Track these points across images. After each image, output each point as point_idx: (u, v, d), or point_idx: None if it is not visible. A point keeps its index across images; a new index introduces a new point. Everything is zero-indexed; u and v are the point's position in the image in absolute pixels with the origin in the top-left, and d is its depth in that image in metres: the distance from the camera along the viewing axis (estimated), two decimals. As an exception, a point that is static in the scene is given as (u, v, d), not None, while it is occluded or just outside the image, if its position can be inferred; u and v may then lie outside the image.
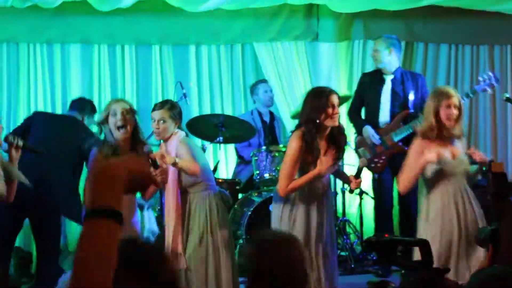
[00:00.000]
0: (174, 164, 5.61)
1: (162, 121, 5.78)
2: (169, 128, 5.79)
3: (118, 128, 5.50)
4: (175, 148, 5.77)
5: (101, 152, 5.48)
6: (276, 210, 5.52)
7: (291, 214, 5.39)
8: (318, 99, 5.31)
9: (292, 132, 5.51)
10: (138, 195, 6.04)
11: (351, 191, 5.86)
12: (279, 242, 2.89)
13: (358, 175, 5.50)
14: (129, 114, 5.56)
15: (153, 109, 5.86)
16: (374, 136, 7.37)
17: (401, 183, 5.54)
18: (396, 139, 7.35)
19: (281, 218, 5.41)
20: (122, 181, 2.00)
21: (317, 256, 5.36)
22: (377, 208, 7.78)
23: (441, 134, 5.37)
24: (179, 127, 5.90)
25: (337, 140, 5.43)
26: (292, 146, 5.34)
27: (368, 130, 7.39)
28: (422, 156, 5.30)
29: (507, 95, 7.12)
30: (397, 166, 7.50)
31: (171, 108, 5.85)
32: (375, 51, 7.67)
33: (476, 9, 8.41)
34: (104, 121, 5.57)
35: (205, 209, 5.84)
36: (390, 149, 7.36)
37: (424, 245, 2.84)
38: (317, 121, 5.26)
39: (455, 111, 5.35)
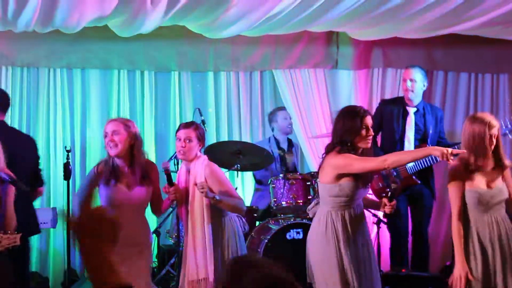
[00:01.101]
0: (214, 200, 5.66)
1: (188, 140, 5.82)
2: (194, 148, 5.83)
3: (110, 147, 5.61)
4: (201, 170, 5.79)
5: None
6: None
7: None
8: (352, 120, 5.16)
9: (325, 155, 5.26)
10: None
11: (386, 215, 5.66)
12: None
13: (391, 198, 5.30)
14: (119, 134, 5.60)
15: (179, 129, 5.93)
16: None
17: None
18: (410, 172, 7.36)
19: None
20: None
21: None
22: (392, 237, 7.73)
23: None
24: (201, 150, 5.94)
25: None
26: (340, 158, 5.12)
27: None
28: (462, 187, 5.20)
29: None
30: (413, 195, 7.52)
31: (197, 128, 5.92)
32: (411, 80, 7.57)
33: (495, 37, 8.37)
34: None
35: (235, 234, 5.90)
36: (404, 181, 7.35)
37: (437, 282, 2.82)
38: (349, 143, 5.12)
39: (494, 141, 5.20)
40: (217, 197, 5.67)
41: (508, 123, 7.09)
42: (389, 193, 5.32)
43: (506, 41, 8.48)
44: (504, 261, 5.20)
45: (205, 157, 5.92)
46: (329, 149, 5.25)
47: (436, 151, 5.02)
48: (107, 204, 5.68)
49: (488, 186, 5.22)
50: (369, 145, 5.21)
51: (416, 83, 7.54)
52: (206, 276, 5.71)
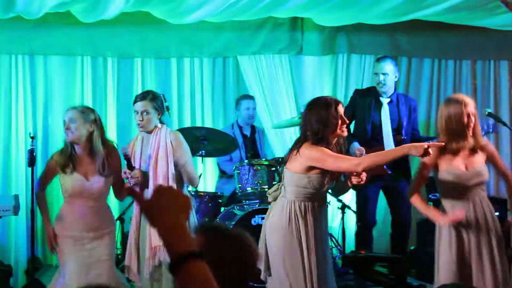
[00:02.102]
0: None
1: (145, 113, 5.75)
2: (152, 120, 5.76)
3: (66, 135, 5.59)
4: (163, 140, 5.72)
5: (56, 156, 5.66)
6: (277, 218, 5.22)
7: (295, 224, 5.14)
8: (325, 111, 5.05)
9: (297, 147, 5.12)
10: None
11: (354, 187, 5.50)
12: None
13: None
14: (75, 122, 5.55)
15: (135, 101, 5.85)
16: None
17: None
18: None
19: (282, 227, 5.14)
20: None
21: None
22: (358, 222, 7.75)
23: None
24: (161, 120, 5.86)
25: (341, 150, 5.18)
26: (315, 151, 5.00)
27: (355, 146, 7.30)
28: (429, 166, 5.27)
29: (489, 110, 7.10)
30: (389, 187, 7.52)
31: (153, 99, 5.82)
32: (382, 74, 7.46)
33: (459, 24, 8.41)
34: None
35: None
36: (373, 170, 7.35)
37: (398, 262, 2.82)
38: (323, 134, 5.02)
39: (472, 119, 5.23)
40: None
41: (489, 123, 7.09)
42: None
43: (469, 27, 8.52)
44: (479, 245, 5.24)
45: (166, 126, 5.86)
46: (302, 140, 5.14)
47: (413, 150, 4.96)
48: (65, 193, 5.65)
49: (466, 168, 5.25)
50: (345, 133, 5.12)
51: (388, 75, 7.49)
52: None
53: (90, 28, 7.99)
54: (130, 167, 5.68)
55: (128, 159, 5.68)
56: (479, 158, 5.32)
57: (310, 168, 5.05)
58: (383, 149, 7.03)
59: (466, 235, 5.25)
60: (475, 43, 8.99)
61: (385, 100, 7.49)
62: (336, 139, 5.13)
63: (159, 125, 5.80)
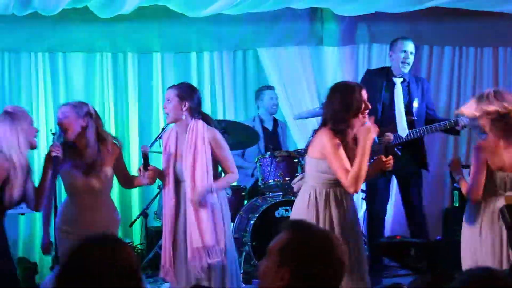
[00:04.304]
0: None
1: (167, 101, 5.71)
2: (176, 108, 5.68)
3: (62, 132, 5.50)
4: (200, 137, 5.65)
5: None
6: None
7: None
8: (350, 95, 5.01)
9: (316, 130, 5.16)
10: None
11: (383, 174, 5.37)
12: None
13: (387, 154, 5.17)
14: (67, 118, 5.47)
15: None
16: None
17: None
18: (394, 142, 7.25)
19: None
20: None
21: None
22: (368, 212, 7.64)
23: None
24: (197, 115, 5.77)
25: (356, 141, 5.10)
26: (329, 143, 4.97)
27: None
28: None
29: None
30: (400, 175, 7.44)
31: (179, 87, 5.78)
32: (410, 54, 7.43)
33: (480, 10, 8.32)
34: None
35: (226, 204, 5.95)
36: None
37: (432, 249, 2.77)
38: (345, 119, 4.99)
39: None
40: (214, 188, 5.67)
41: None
42: (384, 149, 5.23)
43: (490, 13, 8.43)
44: None
45: (203, 123, 5.76)
46: (322, 124, 5.12)
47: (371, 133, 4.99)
48: (67, 191, 5.58)
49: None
50: (367, 119, 5.05)
51: (412, 55, 7.47)
52: (214, 243, 5.63)
53: (109, 24, 7.98)
54: (146, 167, 5.59)
55: (145, 158, 5.61)
56: None
57: None
58: (395, 128, 7.02)
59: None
60: (496, 29, 8.89)
61: (398, 80, 7.42)
62: (354, 130, 5.06)
63: (193, 120, 5.72)
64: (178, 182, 5.75)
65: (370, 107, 5.10)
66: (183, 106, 5.68)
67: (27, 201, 5.25)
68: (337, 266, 2.67)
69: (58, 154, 5.30)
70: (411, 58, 7.43)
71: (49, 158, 5.33)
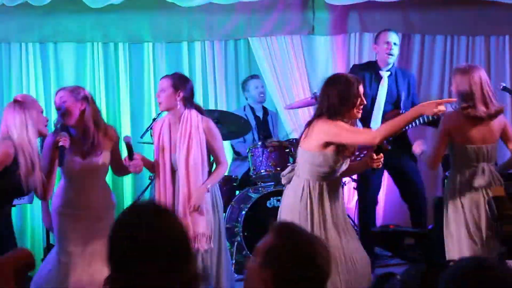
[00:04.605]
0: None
1: (161, 91, 5.76)
2: (170, 97, 5.74)
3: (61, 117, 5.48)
4: (194, 127, 5.70)
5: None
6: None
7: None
8: (347, 88, 4.98)
9: (310, 122, 5.09)
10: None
11: (373, 170, 5.42)
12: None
13: (378, 151, 5.13)
14: (65, 102, 5.46)
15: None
16: None
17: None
18: None
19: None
20: None
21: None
22: (360, 202, 7.63)
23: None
24: (190, 105, 5.81)
25: None
26: (331, 125, 4.94)
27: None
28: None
29: (504, 84, 7.05)
30: (394, 167, 7.44)
31: (173, 77, 5.84)
32: (394, 44, 7.41)
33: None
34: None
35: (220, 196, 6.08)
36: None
37: (426, 237, 2.77)
38: (340, 111, 4.97)
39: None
40: (208, 186, 5.75)
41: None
42: (376, 146, 5.16)
43: (482, 1, 8.42)
44: None
45: (197, 113, 5.82)
46: (316, 115, 5.08)
47: (423, 109, 4.95)
48: (64, 174, 5.57)
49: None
50: (359, 115, 5.08)
51: (397, 46, 7.45)
52: (204, 230, 5.72)
53: (100, 13, 7.95)
54: (131, 156, 5.61)
55: (130, 148, 5.62)
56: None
57: (326, 145, 4.98)
58: (398, 114, 7.01)
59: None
60: (488, 18, 8.86)
61: (385, 74, 7.41)
62: (350, 121, 5.07)
63: (186, 110, 5.75)
64: (173, 172, 5.80)
65: (365, 102, 5.10)
66: (177, 96, 5.74)
67: (35, 190, 5.29)
68: (319, 273, 2.71)
69: (65, 144, 5.31)
70: (395, 49, 7.41)
71: (55, 147, 5.33)
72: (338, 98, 4.98)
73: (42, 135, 5.39)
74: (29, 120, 5.17)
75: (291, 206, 5.13)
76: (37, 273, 5.71)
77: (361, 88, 5.05)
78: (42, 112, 5.41)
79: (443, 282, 2.42)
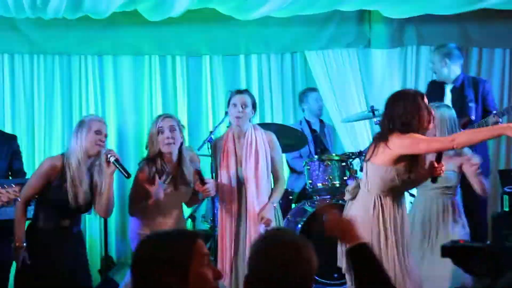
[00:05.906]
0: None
1: (245, 106, 5.78)
2: (249, 115, 5.82)
3: (168, 144, 5.50)
4: (260, 141, 5.78)
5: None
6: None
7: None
8: (414, 103, 4.97)
9: (383, 139, 5.04)
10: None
11: (434, 180, 5.30)
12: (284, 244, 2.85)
13: (439, 159, 5.13)
14: (175, 131, 5.55)
15: (233, 95, 5.88)
16: None
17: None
18: None
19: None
20: None
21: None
22: None
23: None
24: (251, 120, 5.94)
25: None
26: (405, 137, 4.92)
27: None
28: None
29: None
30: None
31: (251, 95, 5.93)
32: (432, 63, 7.53)
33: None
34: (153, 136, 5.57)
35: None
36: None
37: (493, 254, 2.75)
38: (412, 126, 4.95)
39: None
40: (275, 204, 5.83)
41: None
42: (436, 154, 5.16)
43: (541, 14, 8.33)
44: None
45: (260, 128, 5.95)
46: (386, 131, 5.03)
47: (509, 130, 4.83)
48: (153, 204, 5.55)
49: None
50: (431, 126, 5.08)
51: (434, 64, 7.54)
52: None
53: (158, 27, 8.02)
54: (203, 181, 5.61)
55: (200, 173, 5.63)
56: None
57: (398, 160, 4.96)
58: (470, 121, 7.00)
59: None
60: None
61: (448, 87, 7.38)
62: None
63: (250, 124, 5.86)
64: (239, 186, 5.86)
65: (433, 114, 5.07)
66: (252, 113, 5.86)
67: (94, 208, 5.43)
68: (304, 277, 2.80)
69: (116, 156, 5.33)
70: (433, 67, 7.59)
71: (108, 164, 5.32)
72: (407, 114, 4.96)
73: (91, 156, 5.38)
74: (78, 140, 5.30)
75: (363, 222, 5.03)
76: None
77: (426, 101, 5.05)
78: (96, 131, 5.38)
79: None
